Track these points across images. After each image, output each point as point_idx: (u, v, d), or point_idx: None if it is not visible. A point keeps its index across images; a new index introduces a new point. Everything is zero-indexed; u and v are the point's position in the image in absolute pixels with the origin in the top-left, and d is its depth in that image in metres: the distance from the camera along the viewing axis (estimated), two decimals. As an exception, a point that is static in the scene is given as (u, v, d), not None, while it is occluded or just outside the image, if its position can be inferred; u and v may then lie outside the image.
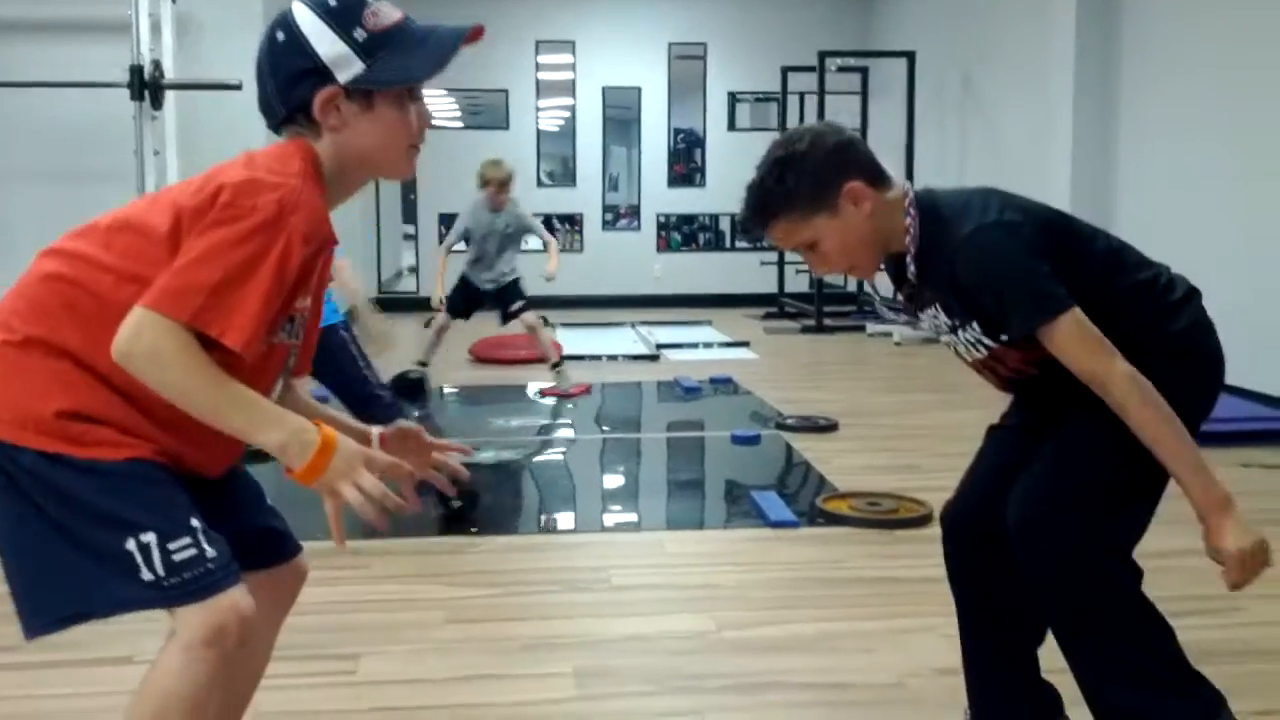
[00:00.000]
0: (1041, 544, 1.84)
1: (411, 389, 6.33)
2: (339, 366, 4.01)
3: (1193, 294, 1.95)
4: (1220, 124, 6.12)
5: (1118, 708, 1.85)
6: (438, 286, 6.58)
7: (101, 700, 2.54)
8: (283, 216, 1.49)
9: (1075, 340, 1.77)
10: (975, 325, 1.90)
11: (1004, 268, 1.80)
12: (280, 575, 1.82)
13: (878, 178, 1.94)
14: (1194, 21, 6.40)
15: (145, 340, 1.45)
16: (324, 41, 1.59)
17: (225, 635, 1.53)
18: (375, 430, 1.79)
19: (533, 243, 6.98)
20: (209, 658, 1.53)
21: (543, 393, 6.65)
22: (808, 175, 1.90)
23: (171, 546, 1.51)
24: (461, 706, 2.51)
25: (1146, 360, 1.79)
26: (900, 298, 2.04)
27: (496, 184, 6.44)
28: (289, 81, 1.61)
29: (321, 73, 1.59)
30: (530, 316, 6.56)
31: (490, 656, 2.79)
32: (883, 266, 2.04)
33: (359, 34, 1.59)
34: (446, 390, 6.91)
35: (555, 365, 6.62)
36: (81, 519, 1.52)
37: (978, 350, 1.94)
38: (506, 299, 6.57)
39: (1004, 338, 1.87)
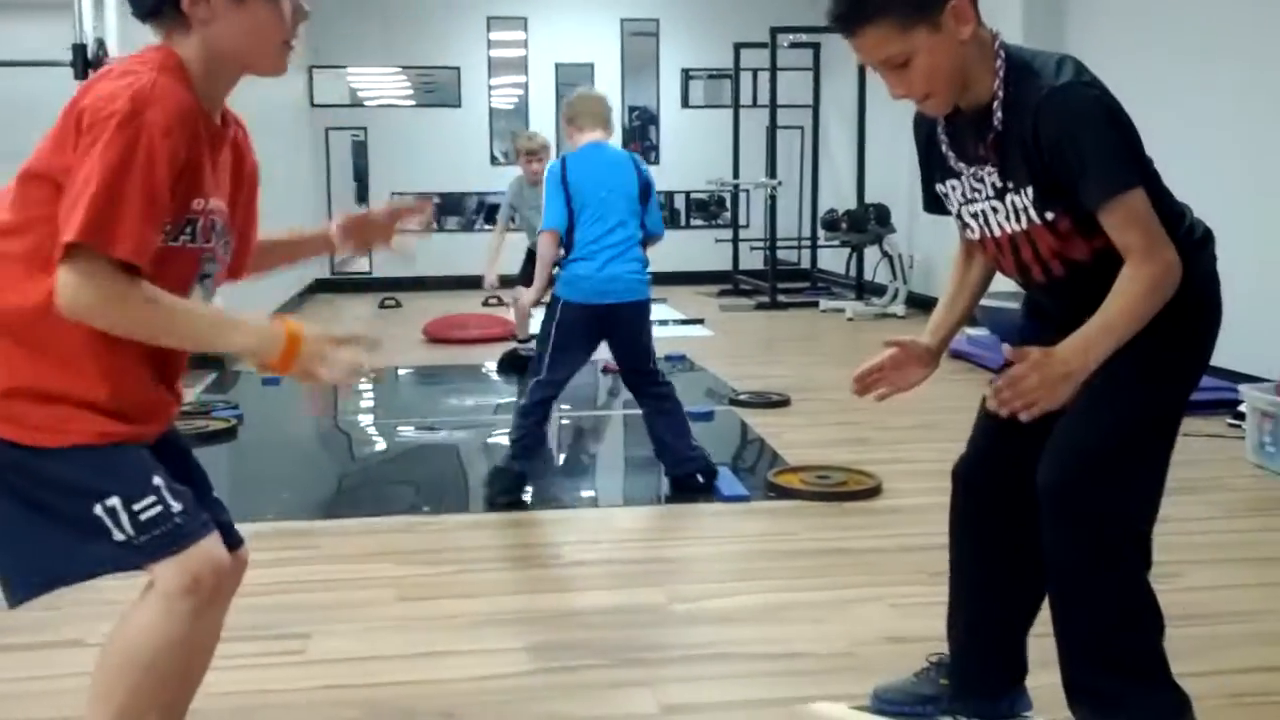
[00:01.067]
0: (1070, 514, 1.83)
1: (519, 365, 6.28)
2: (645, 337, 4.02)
3: (1210, 239, 1.92)
4: (1170, 48, 6.17)
5: (1096, 688, 1.87)
6: (491, 269, 6.48)
7: (54, 683, 2.52)
8: (136, 113, 1.49)
9: (1141, 218, 1.73)
10: (1029, 191, 1.82)
11: (1095, 128, 1.73)
12: (236, 558, 1.82)
13: (976, 3, 1.81)
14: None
15: (83, 297, 1.47)
16: None
17: (200, 584, 1.58)
18: (332, 223, 1.90)
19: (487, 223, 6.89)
20: (186, 606, 1.58)
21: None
22: None
23: (137, 507, 1.56)
24: (414, 683, 2.52)
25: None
26: (949, 152, 1.95)
27: (525, 154, 6.31)
28: None
29: None
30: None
31: (442, 633, 2.80)
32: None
33: None
34: (401, 370, 6.87)
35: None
36: (46, 491, 1.55)
37: (1017, 221, 1.86)
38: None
39: (1049, 215, 1.81)
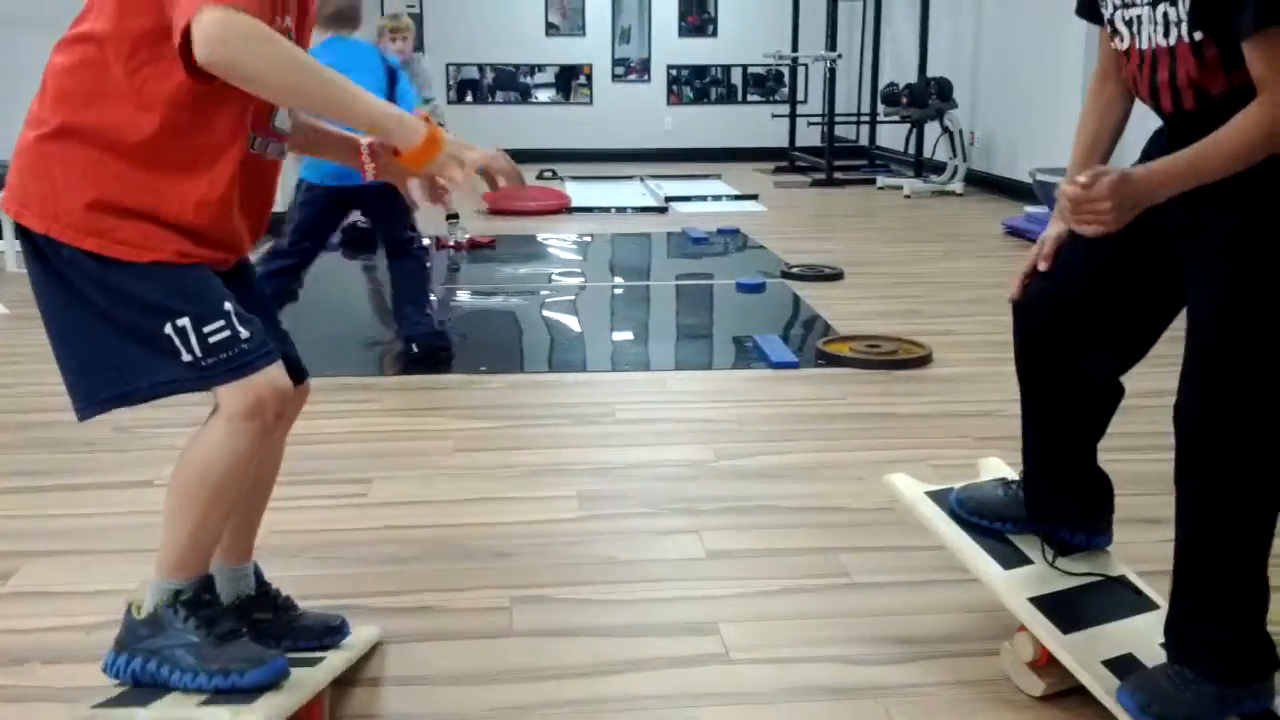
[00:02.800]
0: (1209, 435, 1.77)
1: (362, 236, 6.31)
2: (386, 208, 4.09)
3: None
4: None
5: (1195, 631, 1.83)
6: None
7: (125, 519, 2.67)
8: None
9: None
10: (1186, 1, 1.68)
11: None
12: (300, 390, 1.90)
13: None
14: None
15: (229, 33, 1.46)
16: None
17: (263, 408, 1.66)
18: (365, 140, 1.89)
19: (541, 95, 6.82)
20: (250, 429, 1.66)
21: (439, 244, 6.55)
22: None
23: (207, 329, 1.62)
24: (469, 525, 2.64)
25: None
26: None
27: (389, 32, 6.25)
28: None
29: None
30: None
31: (497, 482, 2.91)
32: None
33: None
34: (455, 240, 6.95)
35: (450, 217, 6.65)
36: (121, 306, 1.62)
37: (1166, 36, 1.73)
38: None
39: (1198, 36, 1.68)
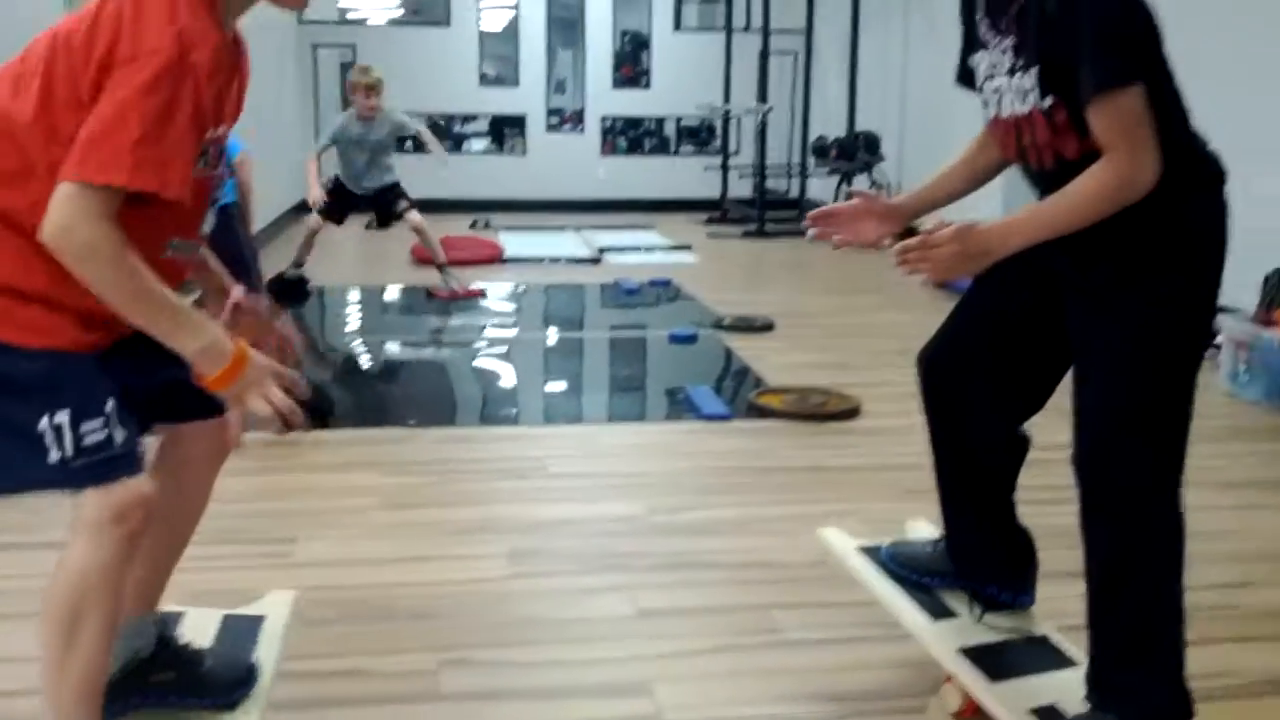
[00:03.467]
0: (1109, 481, 1.82)
1: (290, 289, 6.28)
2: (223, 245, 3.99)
3: (1219, 181, 1.84)
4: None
5: (1114, 679, 1.85)
6: (313, 187, 6.33)
7: (39, 582, 2.57)
8: (184, 56, 1.49)
9: (1128, 118, 1.67)
10: (1035, 72, 1.76)
11: (1107, 11, 1.67)
12: (216, 425, 1.86)
13: None
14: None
15: (79, 234, 1.46)
16: None
17: (128, 516, 1.58)
18: (237, 290, 1.86)
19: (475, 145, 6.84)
20: (116, 536, 1.57)
21: (431, 294, 6.53)
22: None
23: (84, 428, 1.55)
24: (395, 585, 2.59)
25: (1158, 243, 1.77)
26: (985, 18, 1.89)
27: (364, 89, 6.24)
28: None
29: None
30: (415, 217, 6.43)
31: (425, 539, 2.86)
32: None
33: None
34: (388, 291, 6.89)
35: (441, 266, 6.54)
36: (3, 393, 1.55)
37: (1022, 103, 1.80)
38: (387, 202, 6.46)
39: (1048, 102, 1.76)
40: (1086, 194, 1.72)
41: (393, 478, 3.35)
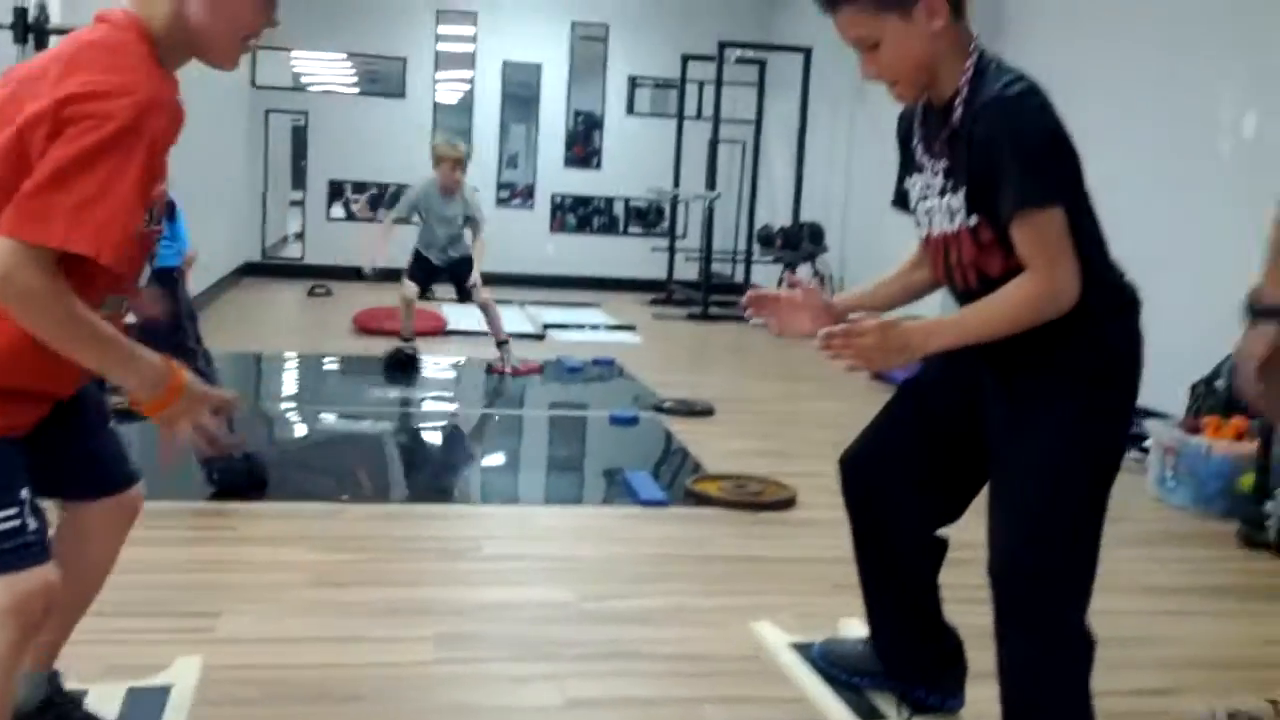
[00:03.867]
0: (1021, 607, 1.86)
1: (407, 363, 6.42)
2: (165, 308, 3.92)
3: (1135, 308, 1.93)
4: (1105, 89, 6.33)
5: None
6: (379, 255, 6.35)
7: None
8: (141, 122, 1.48)
9: (1048, 238, 1.76)
10: (962, 193, 1.86)
11: (1027, 140, 1.76)
12: (122, 499, 1.84)
13: (960, 3, 1.87)
14: (1075, 6, 6.59)
15: (16, 283, 1.45)
16: None
17: (30, 606, 1.56)
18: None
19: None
20: (16, 625, 1.55)
21: (490, 369, 6.57)
22: None
23: None
24: (319, 666, 2.53)
25: (1068, 364, 1.84)
26: (918, 144, 2.00)
27: (451, 162, 6.32)
28: None
29: None
30: (483, 294, 6.47)
31: (352, 619, 2.81)
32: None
33: None
34: (327, 359, 6.84)
35: (501, 343, 6.59)
36: None
37: (950, 222, 1.90)
38: (461, 275, 6.52)
39: (973, 221, 1.85)
40: (1008, 303, 1.80)
41: (322, 554, 3.29)
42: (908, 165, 2.05)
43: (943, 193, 1.91)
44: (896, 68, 1.89)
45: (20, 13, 5.91)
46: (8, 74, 1.60)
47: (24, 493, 1.57)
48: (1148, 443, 4.58)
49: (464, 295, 6.56)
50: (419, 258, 6.52)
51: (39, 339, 1.50)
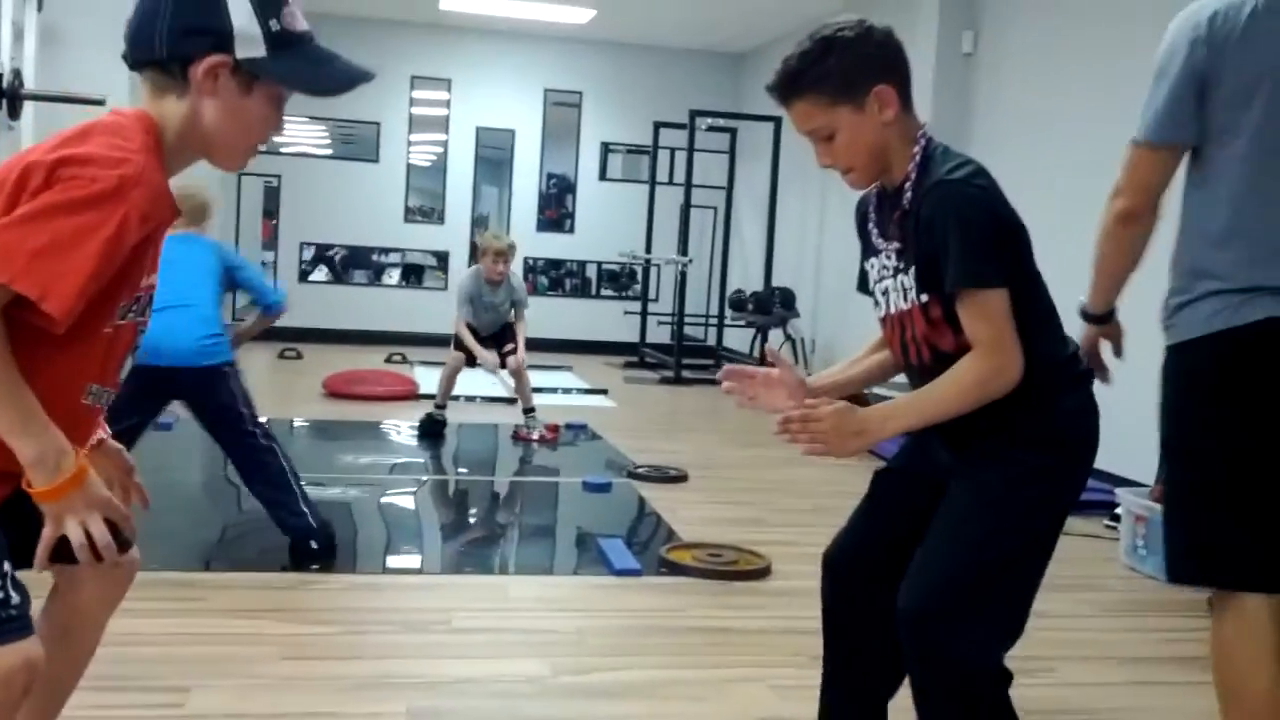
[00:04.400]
0: (928, 648, 1.89)
1: (437, 427, 6.56)
2: (221, 401, 3.96)
3: (1088, 378, 2.03)
4: (1069, 181, 6.46)
5: None
6: (478, 349, 6.49)
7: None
8: (123, 191, 1.48)
9: (991, 316, 1.83)
10: (913, 272, 1.93)
11: (969, 221, 1.83)
12: (113, 567, 1.80)
13: (908, 95, 1.95)
14: (1044, 82, 6.73)
15: None
16: (241, 13, 1.59)
17: (12, 682, 1.52)
18: (108, 438, 1.83)
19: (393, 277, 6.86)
20: None
21: (516, 436, 6.65)
22: (847, 63, 1.90)
23: None
24: (290, 744, 2.49)
25: (1021, 432, 1.91)
26: (873, 228, 2.07)
27: (494, 254, 6.44)
28: (186, 31, 1.59)
29: (223, 38, 1.59)
30: (516, 360, 6.57)
31: (323, 694, 2.77)
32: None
33: (273, 24, 1.61)
34: (296, 423, 6.80)
35: (528, 411, 6.69)
36: None
37: (904, 301, 1.97)
38: (502, 339, 6.67)
39: (924, 298, 1.92)
40: (958, 384, 1.86)
41: (292, 626, 3.25)
42: (866, 250, 2.12)
43: (896, 273, 1.99)
44: (851, 156, 1.97)
45: (-5, 78, 5.93)
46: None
47: (5, 565, 1.54)
48: (1118, 509, 4.60)
49: (502, 361, 6.67)
50: (470, 328, 6.67)
51: None
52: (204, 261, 4.17)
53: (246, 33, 1.59)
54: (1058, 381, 1.95)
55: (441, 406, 6.68)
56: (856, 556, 2.14)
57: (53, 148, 1.52)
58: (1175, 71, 2.09)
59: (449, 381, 6.69)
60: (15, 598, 1.53)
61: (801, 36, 1.95)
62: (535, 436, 6.62)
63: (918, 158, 1.94)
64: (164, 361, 3.66)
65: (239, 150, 1.69)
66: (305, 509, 3.94)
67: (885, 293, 2.04)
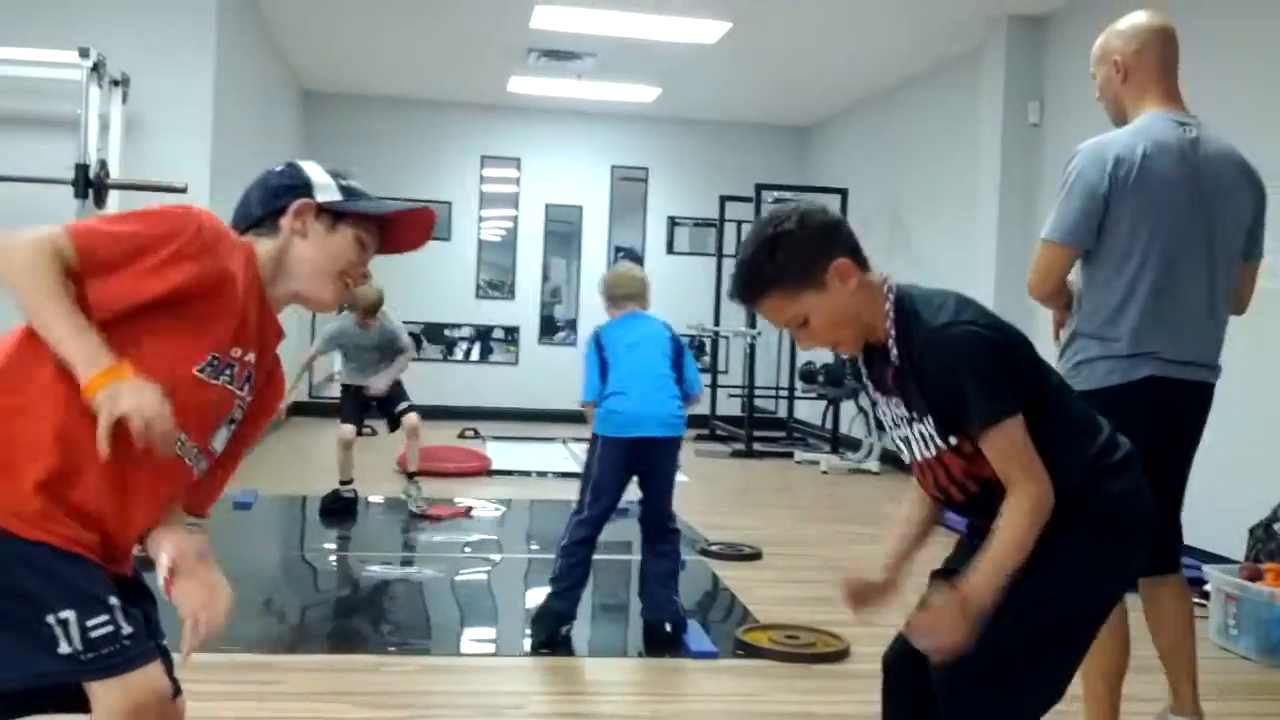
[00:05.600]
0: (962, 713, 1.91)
1: (347, 506, 6.35)
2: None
3: (1131, 460, 2.01)
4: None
5: None
6: (292, 390, 6.14)
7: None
8: (190, 212, 1.73)
9: (1015, 450, 1.87)
10: (930, 420, 1.95)
11: (969, 364, 1.87)
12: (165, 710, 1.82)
13: (861, 258, 2.01)
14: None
15: (15, 246, 1.60)
16: (316, 173, 1.90)
17: (144, 709, 1.59)
18: (164, 562, 1.79)
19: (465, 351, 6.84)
20: None
21: (419, 514, 6.33)
22: (796, 252, 1.95)
23: (89, 623, 1.58)
24: (367, 836, 2.48)
25: (1073, 520, 1.89)
26: (869, 383, 2.10)
27: (362, 311, 6.26)
28: (275, 192, 1.87)
29: (305, 188, 1.86)
30: (413, 419, 6.39)
31: (399, 783, 2.76)
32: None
33: (343, 181, 1.91)
34: (372, 500, 6.85)
35: (411, 475, 6.49)
36: (2, 594, 1.57)
37: (928, 448, 2.00)
38: (391, 403, 6.44)
39: (952, 441, 1.94)
40: (1015, 528, 1.88)
41: (365, 711, 3.24)
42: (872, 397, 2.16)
43: (911, 422, 2.01)
44: (832, 332, 2.01)
45: (82, 169, 6.15)
46: None
47: (112, 599, 1.61)
48: (1207, 586, 4.46)
49: (394, 424, 6.45)
50: (349, 392, 6.43)
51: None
52: (658, 338, 4.34)
53: (323, 183, 1.88)
54: (1099, 471, 1.96)
55: (347, 482, 6.38)
56: (911, 653, 2.11)
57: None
58: (1085, 193, 2.69)
59: (347, 455, 6.34)
60: (127, 628, 1.61)
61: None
62: (415, 508, 6.31)
63: (891, 313, 1.97)
64: (644, 433, 4.09)
65: (327, 282, 1.87)
66: (675, 601, 4.15)
67: (906, 440, 2.06)
